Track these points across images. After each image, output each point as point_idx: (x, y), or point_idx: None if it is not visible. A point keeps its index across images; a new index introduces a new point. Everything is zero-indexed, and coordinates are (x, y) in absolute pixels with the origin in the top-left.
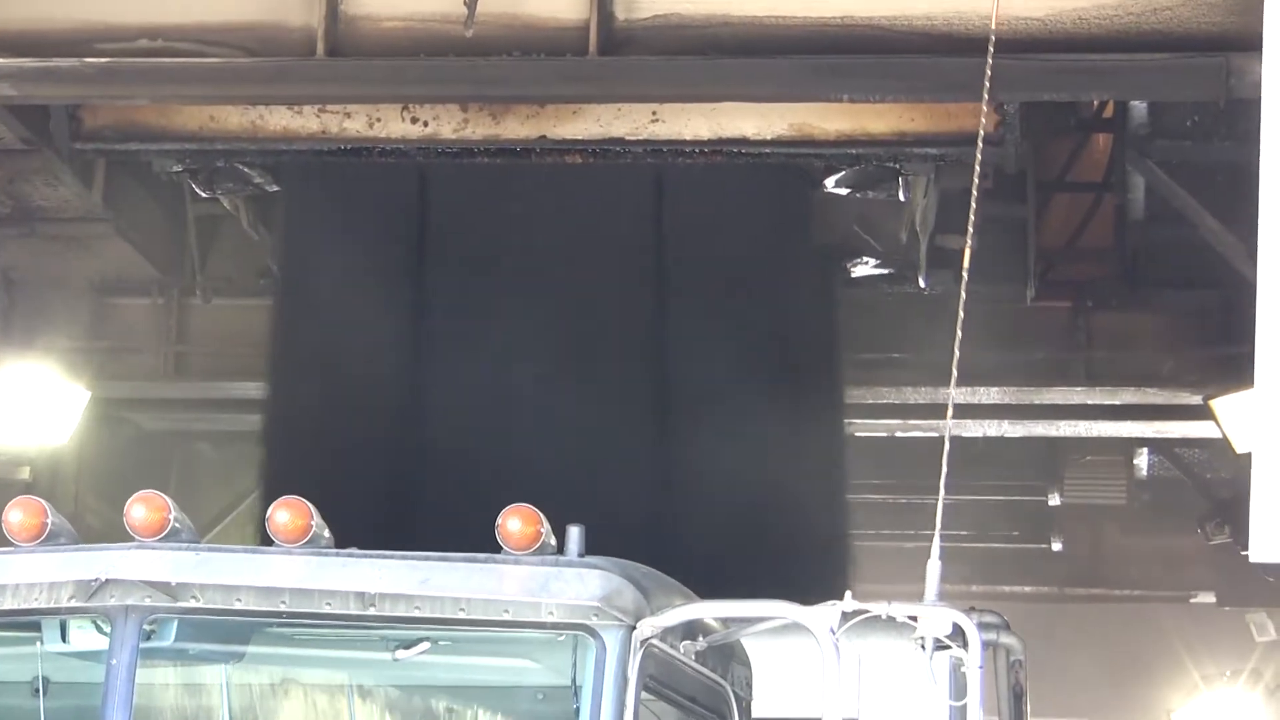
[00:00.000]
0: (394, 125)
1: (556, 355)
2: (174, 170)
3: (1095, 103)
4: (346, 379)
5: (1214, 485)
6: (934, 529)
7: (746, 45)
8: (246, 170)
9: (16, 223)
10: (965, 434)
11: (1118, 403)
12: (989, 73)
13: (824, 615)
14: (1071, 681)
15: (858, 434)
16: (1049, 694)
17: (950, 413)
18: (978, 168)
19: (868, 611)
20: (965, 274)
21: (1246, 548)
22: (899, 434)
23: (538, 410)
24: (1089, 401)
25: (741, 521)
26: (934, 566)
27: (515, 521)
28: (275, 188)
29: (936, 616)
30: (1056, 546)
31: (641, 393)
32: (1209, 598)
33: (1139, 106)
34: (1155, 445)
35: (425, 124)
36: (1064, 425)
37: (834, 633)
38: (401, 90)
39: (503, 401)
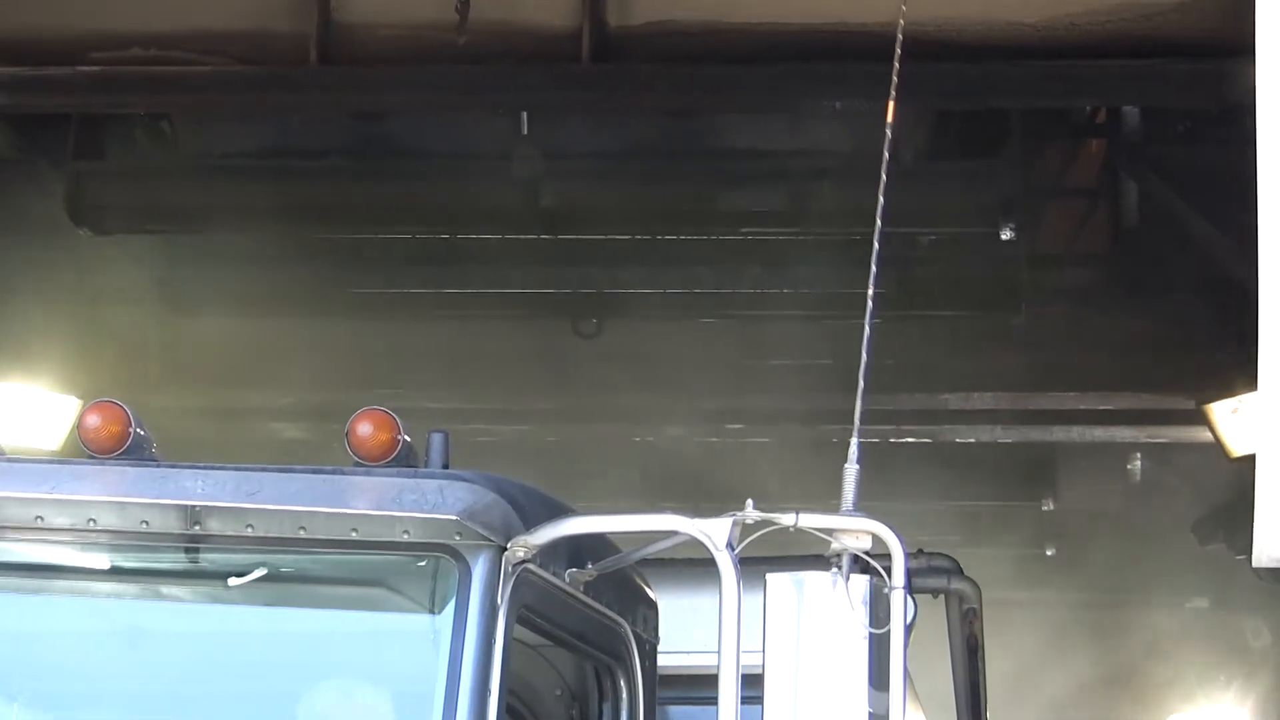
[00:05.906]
0: None
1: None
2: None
3: (1088, 108)
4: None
5: (1208, 490)
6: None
7: (740, 52)
8: None
9: (9, 232)
10: (959, 440)
11: (1111, 408)
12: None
13: (721, 528)
14: (1067, 688)
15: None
16: (1044, 700)
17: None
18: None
19: (773, 524)
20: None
21: (1241, 553)
22: (892, 440)
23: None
24: (1082, 407)
25: None
26: (851, 471)
27: (366, 426)
28: None
29: (854, 528)
30: (1050, 552)
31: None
32: (1204, 603)
33: (1132, 112)
34: (1149, 450)
35: None
36: (1057, 431)
37: (733, 548)
38: (394, 97)
39: None
